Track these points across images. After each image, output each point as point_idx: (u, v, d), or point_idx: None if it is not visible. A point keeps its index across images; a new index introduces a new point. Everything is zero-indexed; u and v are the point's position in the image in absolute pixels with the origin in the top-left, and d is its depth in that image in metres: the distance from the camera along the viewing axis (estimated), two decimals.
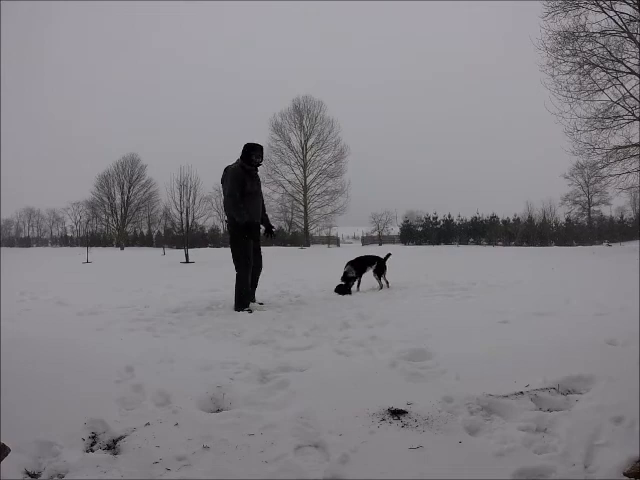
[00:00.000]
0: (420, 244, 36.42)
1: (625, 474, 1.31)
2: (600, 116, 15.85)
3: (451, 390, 1.98)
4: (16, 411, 1.70)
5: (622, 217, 38.78)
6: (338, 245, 38.83)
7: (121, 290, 6.36)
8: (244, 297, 4.38)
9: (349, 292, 5.35)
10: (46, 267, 12.94)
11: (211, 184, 33.41)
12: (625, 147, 15.92)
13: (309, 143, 36.81)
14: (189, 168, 18.77)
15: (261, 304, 4.53)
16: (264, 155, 4.84)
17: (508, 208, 41.64)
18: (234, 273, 4.58)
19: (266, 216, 5.03)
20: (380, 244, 37.73)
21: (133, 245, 42.38)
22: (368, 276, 5.85)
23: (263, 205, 4.97)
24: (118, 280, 8.20)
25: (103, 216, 45.41)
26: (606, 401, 1.71)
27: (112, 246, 41.12)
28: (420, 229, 40.64)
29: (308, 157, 36.81)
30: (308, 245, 33.12)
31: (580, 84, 15.74)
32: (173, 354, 2.59)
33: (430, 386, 2.10)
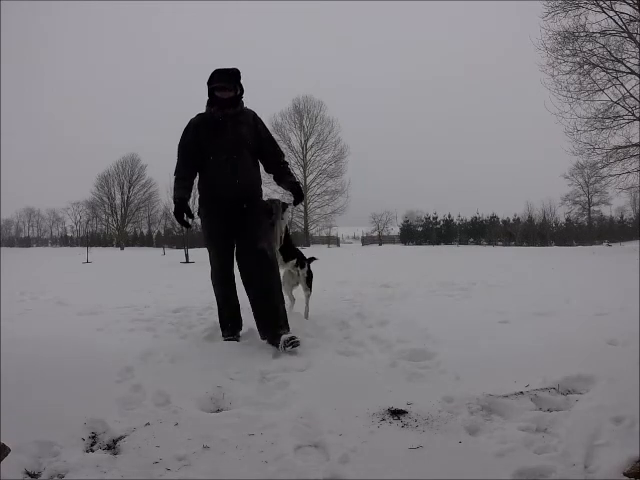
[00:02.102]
0: (420, 244, 36.44)
1: (625, 474, 1.31)
2: (600, 116, 15.87)
3: (451, 390, 1.98)
4: (16, 411, 1.70)
5: (622, 217, 38.84)
6: (338, 245, 38.87)
7: (121, 290, 6.35)
8: (220, 318, 3.04)
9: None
10: (46, 267, 12.94)
11: None
12: (625, 147, 15.93)
13: (309, 143, 36.88)
14: None
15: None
16: (238, 80, 2.92)
17: (508, 208, 41.66)
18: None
19: (285, 177, 3.11)
20: (380, 244, 37.75)
21: (133, 245, 42.42)
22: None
23: (276, 165, 3.12)
24: (118, 280, 8.20)
25: (103, 216, 45.52)
26: (606, 401, 1.71)
27: (112, 246, 41.12)
28: (420, 229, 40.67)
29: (308, 157, 36.86)
30: (308, 245, 33.13)
31: (580, 84, 15.77)
32: (173, 354, 2.59)
33: (430, 386, 2.10)
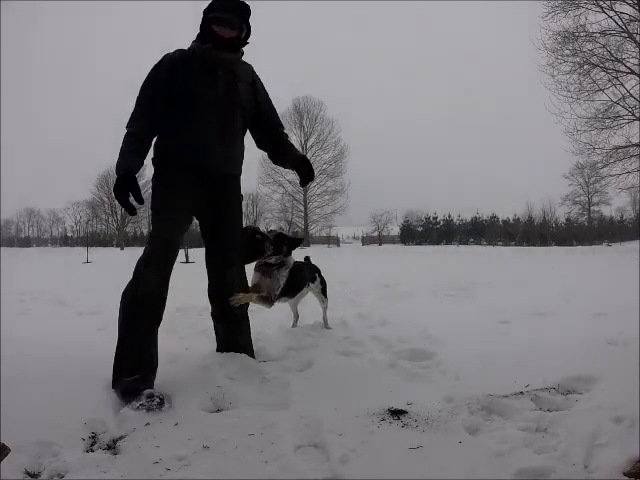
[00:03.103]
0: (420, 244, 36.47)
1: (625, 474, 1.31)
2: (600, 116, 15.90)
3: (451, 390, 1.98)
4: (16, 411, 1.70)
5: (622, 217, 38.93)
6: (338, 245, 38.89)
7: (121, 290, 6.35)
8: (122, 356, 2.02)
9: None
10: (46, 267, 12.94)
11: None
12: (625, 147, 15.96)
13: (309, 143, 36.96)
14: None
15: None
16: (247, 18, 2.23)
17: (508, 208, 41.70)
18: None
19: (289, 149, 2.44)
20: (380, 244, 37.77)
21: (133, 245, 42.38)
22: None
23: (277, 135, 2.46)
24: (118, 280, 8.19)
25: (103, 216, 45.48)
26: (606, 401, 1.71)
27: (112, 246, 41.16)
28: (420, 229, 40.70)
29: (308, 157, 36.77)
30: (308, 245, 33.15)
31: (580, 84, 15.80)
32: (173, 354, 2.59)
33: (430, 386, 2.10)
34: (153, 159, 2.26)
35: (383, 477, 1.39)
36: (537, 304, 4.00)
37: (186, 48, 2.24)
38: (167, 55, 2.22)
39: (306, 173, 2.37)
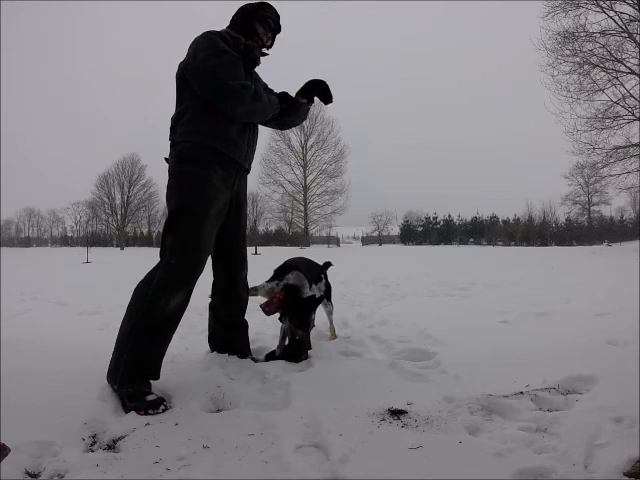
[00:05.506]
0: (420, 244, 36.50)
1: (625, 474, 1.31)
2: (600, 116, 15.91)
3: (451, 390, 1.98)
4: (16, 411, 1.70)
5: (622, 217, 38.92)
6: (338, 245, 38.91)
7: (121, 290, 6.35)
8: (131, 361, 1.89)
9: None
10: (46, 267, 12.93)
11: None
12: (625, 147, 15.97)
13: (309, 143, 36.88)
14: None
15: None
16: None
17: (508, 208, 41.77)
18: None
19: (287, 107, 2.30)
20: (380, 244, 37.78)
21: (133, 245, 42.43)
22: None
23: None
24: (118, 280, 8.19)
25: (103, 216, 45.49)
26: (606, 401, 1.71)
27: (112, 246, 41.18)
28: (420, 229, 40.71)
29: (308, 157, 36.85)
30: (308, 245, 33.16)
31: (580, 84, 15.82)
32: (173, 354, 2.59)
33: (430, 386, 2.10)
34: (194, 144, 2.03)
35: (383, 477, 1.39)
36: (537, 304, 4.00)
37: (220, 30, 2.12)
38: (222, 33, 2.07)
39: (322, 93, 2.29)
